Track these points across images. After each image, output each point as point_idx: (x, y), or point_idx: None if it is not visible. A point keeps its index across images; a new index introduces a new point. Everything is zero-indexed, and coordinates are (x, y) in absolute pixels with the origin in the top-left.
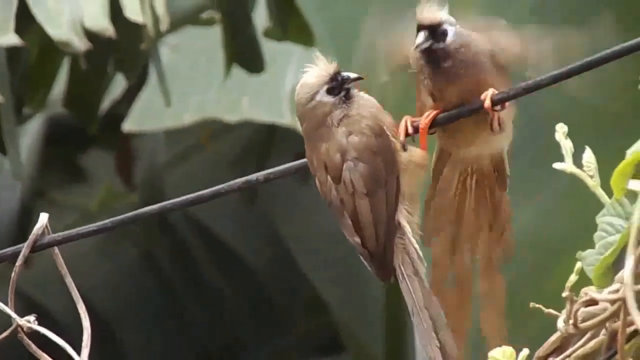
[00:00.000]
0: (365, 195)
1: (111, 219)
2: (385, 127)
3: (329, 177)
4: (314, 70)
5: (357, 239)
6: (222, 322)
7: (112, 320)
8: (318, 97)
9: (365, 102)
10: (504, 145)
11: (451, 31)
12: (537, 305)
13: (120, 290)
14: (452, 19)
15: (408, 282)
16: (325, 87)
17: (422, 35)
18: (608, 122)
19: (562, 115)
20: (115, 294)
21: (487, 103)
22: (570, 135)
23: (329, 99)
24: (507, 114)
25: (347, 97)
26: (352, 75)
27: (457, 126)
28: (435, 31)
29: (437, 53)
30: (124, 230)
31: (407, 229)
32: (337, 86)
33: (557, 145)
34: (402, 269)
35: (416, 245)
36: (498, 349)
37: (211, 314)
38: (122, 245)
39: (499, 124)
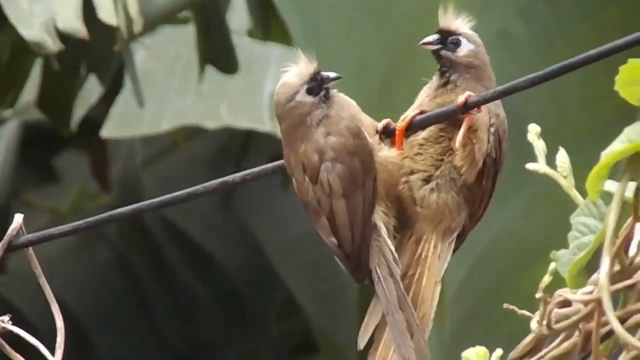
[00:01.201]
0: (342, 196)
1: (86, 220)
2: (363, 129)
3: (306, 177)
4: (294, 70)
5: (333, 240)
6: (194, 323)
7: (85, 320)
8: (298, 97)
9: (344, 102)
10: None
11: (466, 45)
12: (510, 307)
13: (93, 291)
14: (474, 37)
15: (384, 284)
16: (306, 87)
17: (432, 37)
18: (588, 126)
19: (541, 119)
20: (89, 295)
21: (461, 100)
22: (549, 138)
23: (309, 99)
24: (479, 150)
25: (327, 97)
26: (332, 74)
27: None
28: (447, 38)
29: (444, 60)
30: (98, 232)
31: (383, 230)
32: (317, 86)
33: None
34: (378, 270)
35: (392, 247)
36: (472, 349)
37: (183, 315)
38: (96, 247)
39: (463, 144)
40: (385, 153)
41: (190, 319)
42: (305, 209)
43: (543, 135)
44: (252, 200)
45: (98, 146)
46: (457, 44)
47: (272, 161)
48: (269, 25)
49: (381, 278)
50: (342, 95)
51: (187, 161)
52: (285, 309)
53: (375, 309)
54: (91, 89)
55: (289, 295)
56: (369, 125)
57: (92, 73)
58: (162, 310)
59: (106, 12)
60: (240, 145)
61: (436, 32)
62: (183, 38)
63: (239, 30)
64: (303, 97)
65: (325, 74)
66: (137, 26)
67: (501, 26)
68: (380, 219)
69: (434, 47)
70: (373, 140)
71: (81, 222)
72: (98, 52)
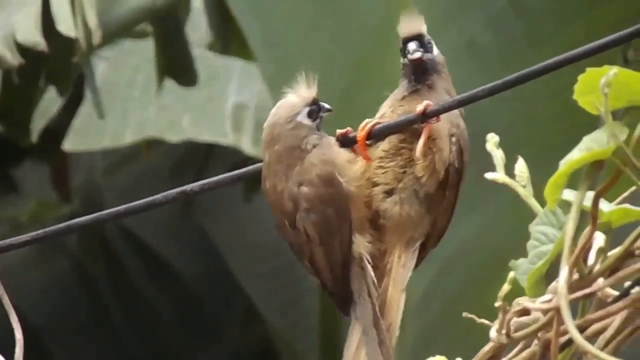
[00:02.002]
0: (320, 244)
1: (44, 230)
2: (336, 174)
3: (285, 222)
4: (295, 92)
5: (317, 280)
6: (154, 332)
7: (44, 331)
8: (299, 118)
9: (322, 145)
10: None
11: (433, 43)
12: (470, 316)
13: (52, 302)
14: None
15: (364, 306)
16: (307, 109)
17: (414, 44)
18: (556, 138)
19: (508, 132)
20: (48, 305)
21: (420, 108)
22: (517, 150)
23: (308, 122)
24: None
25: (320, 127)
26: (327, 105)
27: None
28: (422, 41)
29: (426, 65)
30: (57, 242)
31: (365, 255)
32: (316, 111)
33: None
34: (360, 295)
35: (372, 274)
36: (431, 358)
37: (143, 324)
38: (56, 257)
39: (423, 153)
40: (354, 171)
41: (150, 328)
42: (290, 248)
43: (511, 146)
44: (213, 209)
45: (58, 157)
46: (430, 43)
47: (233, 170)
48: (228, 38)
49: (360, 298)
50: (326, 137)
51: (148, 172)
52: (246, 317)
53: (351, 343)
54: (52, 101)
55: (249, 304)
56: (344, 162)
57: (52, 85)
58: (122, 319)
59: (65, 24)
60: (202, 157)
61: (410, 40)
62: (144, 50)
63: (201, 43)
64: (303, 118)
65: (322, 103)
66: (96, 38)
67: (469, 37)
68: (362, 247)
69: (420, 54)
70: (348, 173)
71: (40, 232)
72: (57, 64)
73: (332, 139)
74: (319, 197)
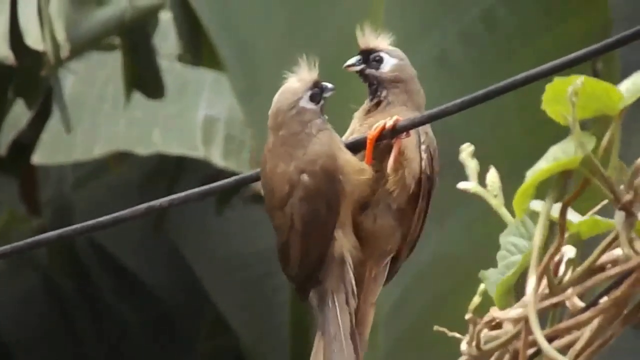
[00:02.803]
0: (301, 234)
1: (12, 245)
2: (337, 171)
3: (274, 203)
4: (296, 76)
5: (281, 264)
6: (124, 347)
7: (11, 345)
8: (301, 103)
9: (330, 137)
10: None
11: (389, 60)
12: (441, 329)
13: (21, 316)
14: (395, 51)
15: (338, 311)
16: (309, 93)
17: (354, 58)
18: (527, 150)
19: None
20: (17, 319)
21: (389, 124)
22: (488, 161)
23: (312, 106)
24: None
25: (323, 109)
26: (330, 85)
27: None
28: (368, 56)
29: (369, 79)
30: (27, 256)
31: (348, 261)
32: (319, 94)
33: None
34: (335, 296)
35: (353, 281)
36: None
37: (113, 339)
38: (25, 271)
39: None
40: (353, 171)
41: (119, 343)
42: (274, 228)
43: (483, 158)
44: (184, 223)
45: (27, 170)
46: (380, 60)
47: (203, 184)
48: (199, 50)
49: (337, 304)
50: (331, 130)
51: (118, 185)
52: (216, 331)
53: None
54: (20, 114)
55: (219, 318)
56: (346, 161)
57: (20, 98)
58: (91, 334)
59: (33, 37)
60: (172, 171)
61: (358, 54)
62: (113, 63)
63: (171, 56)
64: (306, 103)
65: (324, 83)
66: (65, 51)
67: (440, 50)
68: (345, 248)
69: (358, 68)
70: (351, 173)
71: (7, 247)
72: (25, 78)
73: (336, 135)
74: (317, 190)
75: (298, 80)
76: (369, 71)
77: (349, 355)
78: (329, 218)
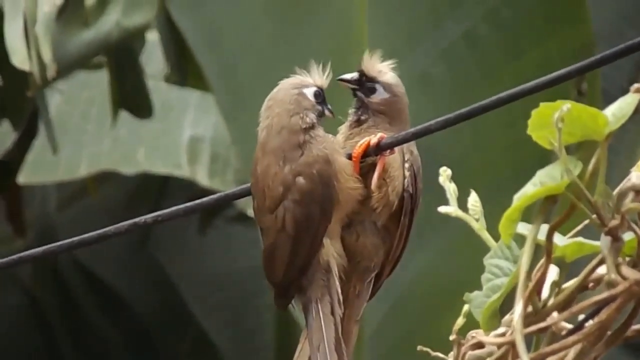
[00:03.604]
0: (292, 237)
1: None
2: (333, 177)
3: (265, 204)
4: (307, 74)
5: (265, 266)
6: None
7: None
8: (305, 91)
9: (327, 140)
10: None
11: (381, 94)
12: (424, 349)
13: (4, 335)
14: (393, 86)
15: (322, 320)
16: (315, 89)
17: (351, 75)
18: (508, 170)
19: (461, 163)
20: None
21: (374, 141)
22: (469, 182)
23: (313, 99)
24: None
25: (321, 116)
26: (330, 107)
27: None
28: (365, 81)
29: (358, 100)
30: (10, 275)
31: (334, 269)
32: (322, 97)
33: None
34: (319, 306)
35: (339, 290)
36: None
37: (95, 357)
38: (8, 290)
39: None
40: (347, 178)
41: None
42: (260, 232)
43: (463, 179)
44: (168, 243)
45: (12, 190)
46: (373, 90)
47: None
48: (184, 70)
49: (321, 314)
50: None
51: (103, 205)
52: (199, 351)
53: (301, 355)
54: (6, 134)
55: (203, 337)
56: (343, 167)
57: (5, 118)
58: (74, 353)
59: (19, 58)
60: (157, 190)
61: (357, 71)
62: (98, 82)
63: (156, 75)
64: (309, 93)
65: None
66: (51, 72)
67: (423, 68)
68: (334, 258)
69: (351, 86)
70: (347, 180)
71: None
72: (11, 98)
73: (331, 136)
74: (311, 194)
75: (307, 76)
76: (359, 94)
77: None
78: (321, 223)
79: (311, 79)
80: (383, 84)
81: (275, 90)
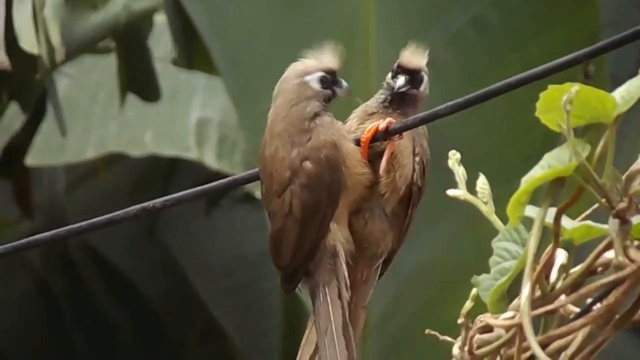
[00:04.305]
0: (299, 221)
1: (4, 246)
2: (341, 161)
3: (274, 189)
4: (318, 56)
5: (271, 250)
6: (115, 351)
7: (5, 348)
8: (307, 78)
9: (334, 125)
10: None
11: (425, 79)
12: (432, 332)
13: (12, 319)
14: (425, 67)
15: (329, 305)
16: (320, 74)
17: (403, 79)
18: (516, 155)
19: (469, 148)
20: (7, 321)
21: (382, 126)
22: (477, 167)
23: (317, 86)
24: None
25: (329, 101)
26: (345, 84)
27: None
28: (415, 77)
29: (407, 97)
30: (20, 259)
31: (341, 254)
32: (329, 82)
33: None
34: (327, 290)
35: (346, 274)
36: None
37: (104, 342)
38: (17, 274)
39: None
40: (354, 163)
41: (110, 346)
42: (268, 216)
43: (471, 163)
44: (176, 227)
45: (21, 173)
46: (421, 80)
47: (195, 186)
48: (192, 53)
49: (328, 299)
50: (333, 118)
51: (111, 188)
52: (208, 335)
53: (309, 340)
54: (14, 117)
55: (211, 322)
56: (351, 152)
57: (14, 101)
58: (83, 337)
59: (28, 41)
60: (165, 173)
61: (403, 72)
62: (106, 66)
63: (165, 58)
64: (312, 80)
65: (342, 80)
66: (59, 55)
67: (430, 55)
68: (340, 243)
69: (413, 92)
70: (354, 165)
71: (0, 247)
72: (20, 81)
73: (339, 122)
74: (319, 178)
75: (314, 60)
76: (411, 91)
77: (340, 350)
78: (329, 207)
79: (318, 63)
80: (425, 70)
81: (282, 76)
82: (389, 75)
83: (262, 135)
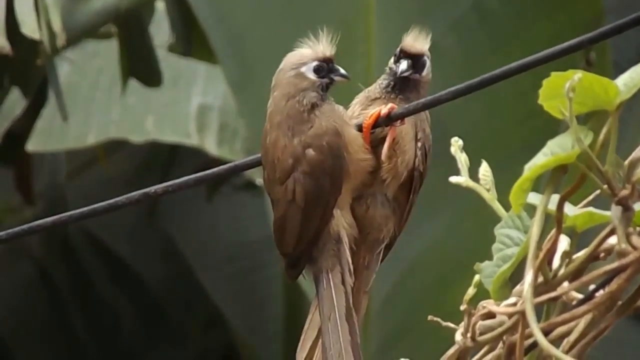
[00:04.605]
0: (302, 208)
1: (6, 231)
2: (343, 147)
3: (277, 177)
4: (311, 44)
5: (276, 237)
6: (116, 337)
7: (4, 333)
8: (303, 69)
9: (335, 112)
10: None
11: (428, 64)
12: (435, 319)
13: (14, 305)
14: (428, 51)
15: (333, 291)
16: (315, 64)
17: (405, 64)
18: (518, 141)
19: (471, 135)
20: (9, 308)
21: (384, 111)
22: (479, 153)
23: (312, 76)
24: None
25: (327, 87)
26: (343, 71)
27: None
28: (417, 61)
29: (409, 82)
30: (21, 246)
31: (345, 240)
32: (326, 70)
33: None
34: (330, 275)
35: (349, 259)
36: None
37: (105, 329)
38: (18, 261)
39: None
40: (357, 149)
41: (111, 333)
42: (271, 204)
43: (474, 149)
44: (177, 214)
45: (22, 160)
46: (424, 65)
47: (196, 172)
48: (191, 40)
49: (332, 284)
50: (334, 104)
51: (112, 176)
52: (209, 322)
53: (311, 327)
54: (15, 103)
55: (213, 309)
56: (353, 139)
57: (15, 87)
58: (84, 324)
59: (29, 27)
60: (166, 159)
61: (404, 57)
62: (108, 52)
63: (166, 44)
64: (308, 71)
65: (338, 66)
66: (61, 41)
67: (432, 40)
68: (344, 229)
69: (415, 76)
70: (357, 152)
71: (1, 233)
72: (21, 66)
73: (341, 108)
74: (321, 165)
75: (309, 49)
76: (414, 76)
77: (344, 336)
78: (331, 194)
79: (313, 52)
80: (427, 54)
81: (280, 67)
82: (392, 60)
83: (263, 122)
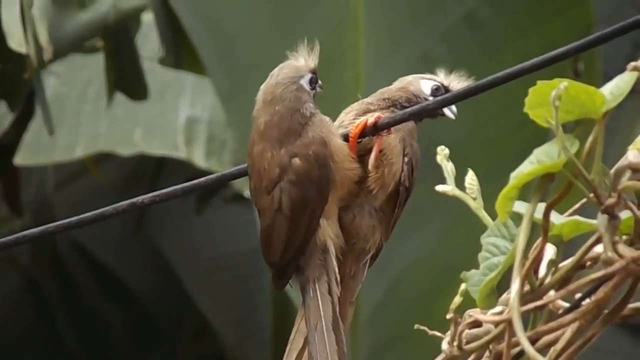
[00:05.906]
0: (288, 218)
1: None
2: (329, 157)
3: (263, 186)
4: (299, 57)
5: (262, 248)
6: (105, 348)
7: None
8: (302, 82)
9: (323, 123)
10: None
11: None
12: (422, 328)
13: (1, 316)
14: None
15: (320, 300)
16: (310, 76)
17: (455, 108)
18: (508, 151)
19: (461, 144)
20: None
21: (371, 121)
22: (469, 162)
23: (309, 88)
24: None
25: (315, 96)
26: (320, 82)
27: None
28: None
29: (434, 117)
30: (9, 256)
31: (331, 250)
32: (315, 81)
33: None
34: (317, 285)
35: (336, 269)
36: None
37: (94, 340)
38: (6, 272)
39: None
40: (343, 169)
41: (100, 344)
42: (258, 213)
43: (463, 159)
44: (165, 224)
45: (10, 171)
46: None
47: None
48: (180, 52)
49: (318, 294)
50: (321, 115)
51: (100, 186)
52: (198, 331)
53: (297, 336)
54: (2, 116)
55: (202, 319)
56: (339, 148)
57: (2, 100)
58: (72, 335)
59: (16, 40)
60: (154, 172)
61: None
62: (95, 64)
63: (153, 56)
64: (305, 83)
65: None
66: (48, 54)
67: (423, 50)
68: (330, 239)
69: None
70: (343, 161)
71: None
72: (8, 80)
73: (328, 118)
74: (308, 174)
75: (302, 61)
76: (448, 117)
77: (330, 346)
78: (318, 203)
79: (306, 64)
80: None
81: (272, 81)
82: (426, 85)
83: (250, 134)
